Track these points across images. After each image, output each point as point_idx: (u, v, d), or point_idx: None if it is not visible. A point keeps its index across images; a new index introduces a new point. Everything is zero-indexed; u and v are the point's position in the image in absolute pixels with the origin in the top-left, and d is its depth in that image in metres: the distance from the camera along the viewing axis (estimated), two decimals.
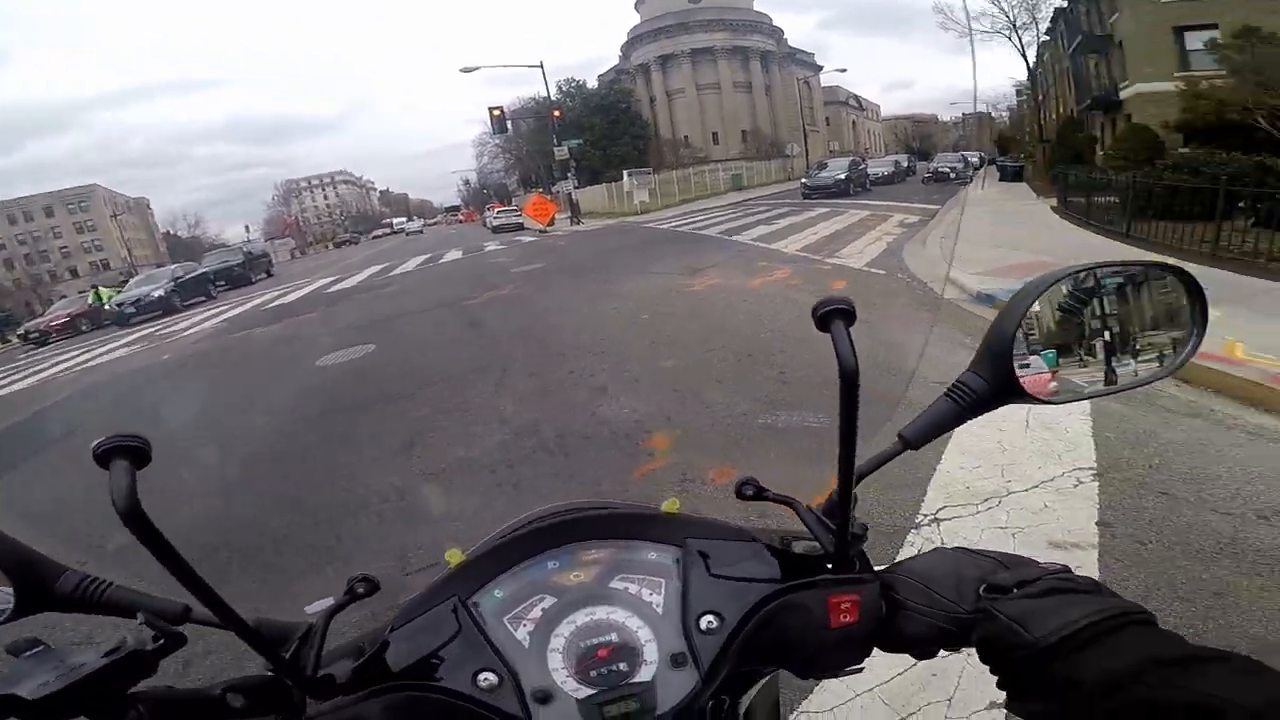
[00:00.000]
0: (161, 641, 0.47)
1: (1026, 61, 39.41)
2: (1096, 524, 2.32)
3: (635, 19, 56.57)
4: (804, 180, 25.08)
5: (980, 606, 0.47)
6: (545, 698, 0.49)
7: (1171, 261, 0.62)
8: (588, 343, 5.58)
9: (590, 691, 0.49)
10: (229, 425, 5.20)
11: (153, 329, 15.06)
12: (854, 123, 70.87)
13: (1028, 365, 0.56)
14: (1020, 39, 39.66)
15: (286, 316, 11.38)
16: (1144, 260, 0.65)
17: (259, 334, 9.92)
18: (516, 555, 0.57)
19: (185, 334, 12.68)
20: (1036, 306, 0.56)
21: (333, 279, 18.10)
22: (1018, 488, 2.53)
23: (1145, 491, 2.51)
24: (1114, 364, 0.60)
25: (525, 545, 0.58)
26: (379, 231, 78.57)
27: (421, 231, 57.10)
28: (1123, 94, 20.26)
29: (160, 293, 18.72)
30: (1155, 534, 2.25)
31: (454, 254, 19.76)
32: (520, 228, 28.78)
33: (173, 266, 23.83)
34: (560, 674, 0.50)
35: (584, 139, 39.25)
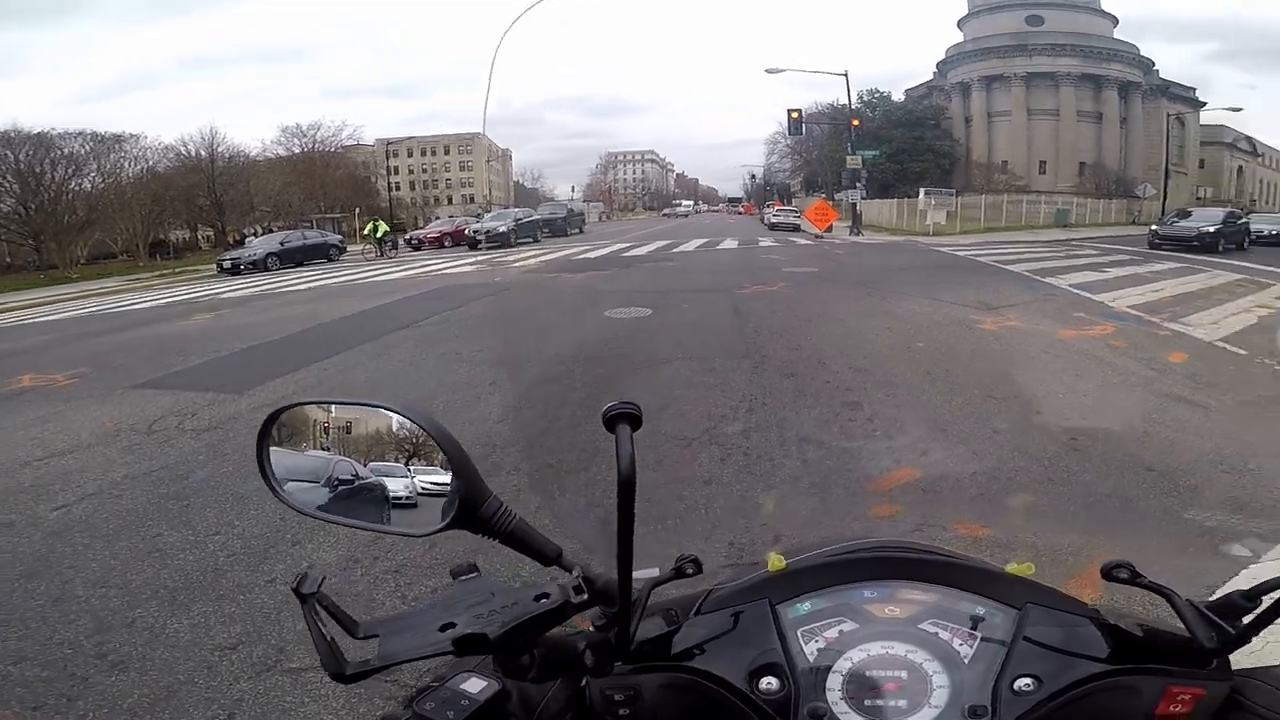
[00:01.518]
0: (585, 597, 0.50)
1: None
2: None
3: (956, 36, 51.05)
4: (1154, 227, 20.37)
5: None
6: (817, 716, 0.50)
7: None
8: (850, 357, 5.45)
9: (858, 719, 0.50)
10: (532, 351, 6.28)
11: (493, 256, 18.72)
12: (1239, 168, 55.07)
13: None
14: None
15: (589, 269, 13.24)
16: None
17: (565, 279, 11.74)
18: (839, 577, 0.59)
19: (514, 264, 15.52)
20: None
21: (628, 245, 20.24)
22: None
23: None
24: None
25: (852, 569, 0.59)
26: (668, 210, 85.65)
27: (688, 215, 60.74)
28: None
29: (504, 229, 23.50)
30: None
31: (730, 243, 20.51)
32: (796, 229, 28.56)
33: (516, 210, 29.71)
34: (834, 694, 0.51)
35: (880, 151, 37.14)
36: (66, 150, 35.30)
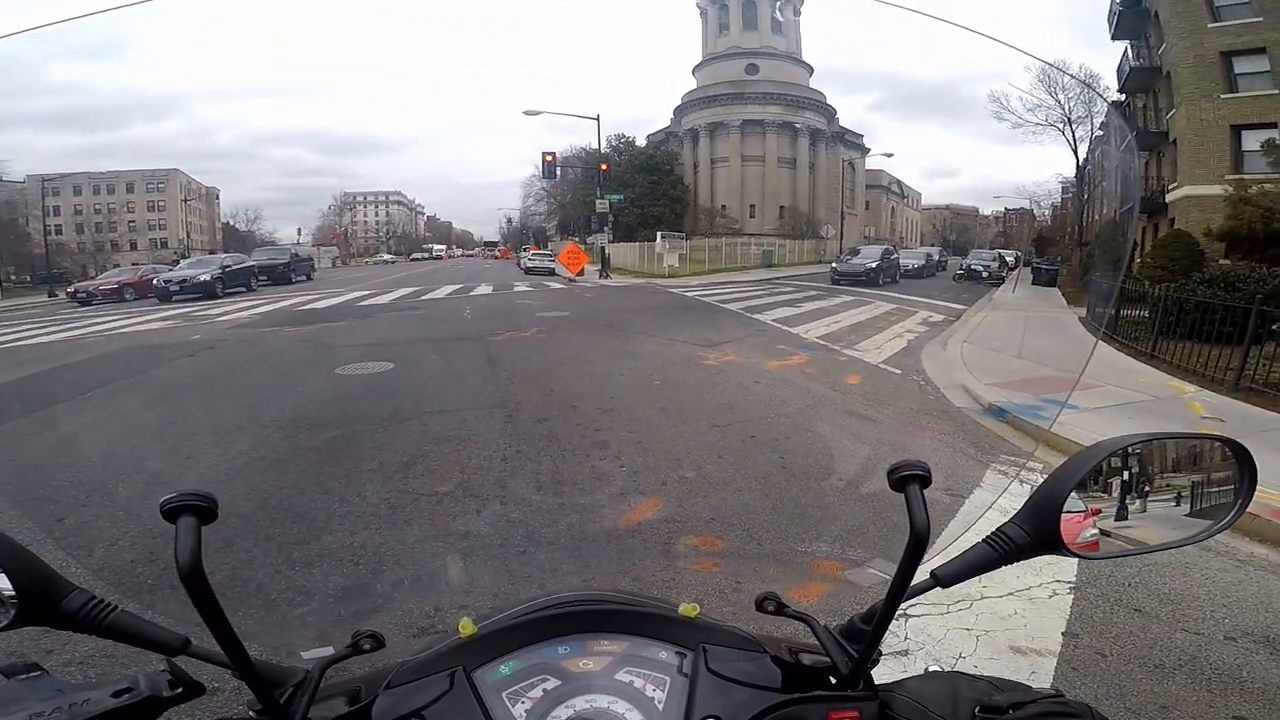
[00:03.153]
0: (180, 691, 0.47)
1: (1076, 158, 35.24)
2: (1062, 633, 2.40)
3: (692, 83, 57.94)
4: (834, 265, 25.46)
5: None
6: None
7: (1225, 435, 0.65)
8: (599, 398, 5.74)
9: None
10: (241, 418, 5.38)
11: (193, 309, 15.64)
12: (893, 209, 69.85)
13: (1071, 520, 0.57)
14: (1074, 133, 36.06)
15: (317, 320, 11.80)
16: (1201, 434, 0.69)
17: (288, 333, 10.28)
18: (531, 636, 0.59)
19: (221, 318, 13.17)
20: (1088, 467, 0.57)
21: (366, 293, 18.64)
22: (991, 593, 2.60)
23: (1118, 607, 2.60)
24: (1156, 524, 0.62)
25: (542, 628, 0.60)
26: (418, 254, 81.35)
27: (440, 258, 58.92)
28: (1169, 196, 18.98)
29: (206, 277, 19.71)
30: (1118, 647, 2.33)
31: (485, 288, 20.30)
32: (551, 273, 29.31)
33: (223, 256, 25.25)
34: None
35: (625, 195, 40.17)
36: None
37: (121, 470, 4.12)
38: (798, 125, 54.90)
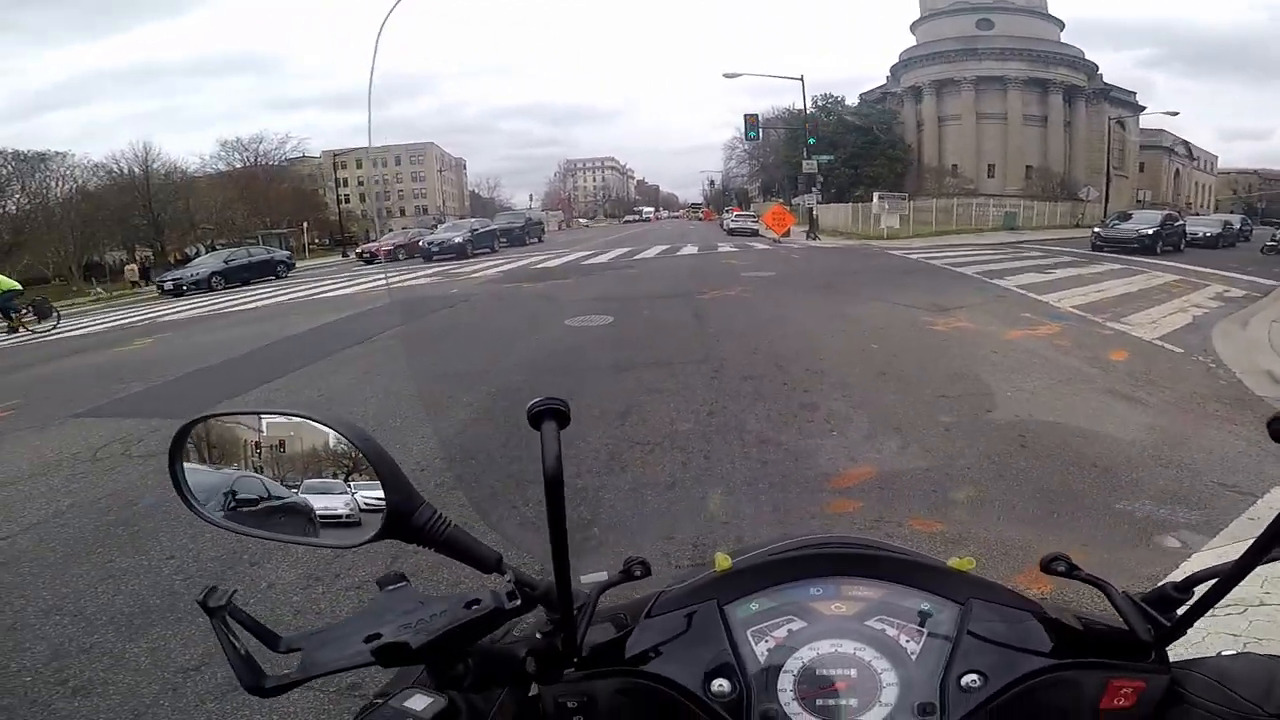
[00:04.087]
0: (518, 603, 0.50)
1: None
2: None
3: (910, 40, 52.07)
4: (1097, 229, 21.32)
5: None
6: (770, 717, 0.50)
7: None
8: (807, 359, 5.56)
9: (810, 719, 0.50)
10: (490, 362, 6.23)
11: (447, 266, 18.47)
12: (1177, 172, 57.69)
13: None
14: None
15: (548, 278, 13.19)
16: None
17: (525, 288, 11.66)
18: (784, 574, 0.58)
19: (472, 275, 15.35)
20: None
21: (588, 253, 20.24)
22: (1273, 600, 2.02)
23: None
24: None
25: (797, 566, 0.59)
26: (629, 216, 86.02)
27: (650, 221, 61.05)
28: None
29: (459, 239, 23.06)
30: None
31: (690, 249, 20.70)
32: (755, 234, 28.93)
33: (471, 221, 29.22)
34: (786, 694, 0.51)
35: (835, 155, 37.76)
36: None
37: (398, 410, 4.99)
38: (1049, 80, 46.73)
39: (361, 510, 0.53)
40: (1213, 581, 0.46)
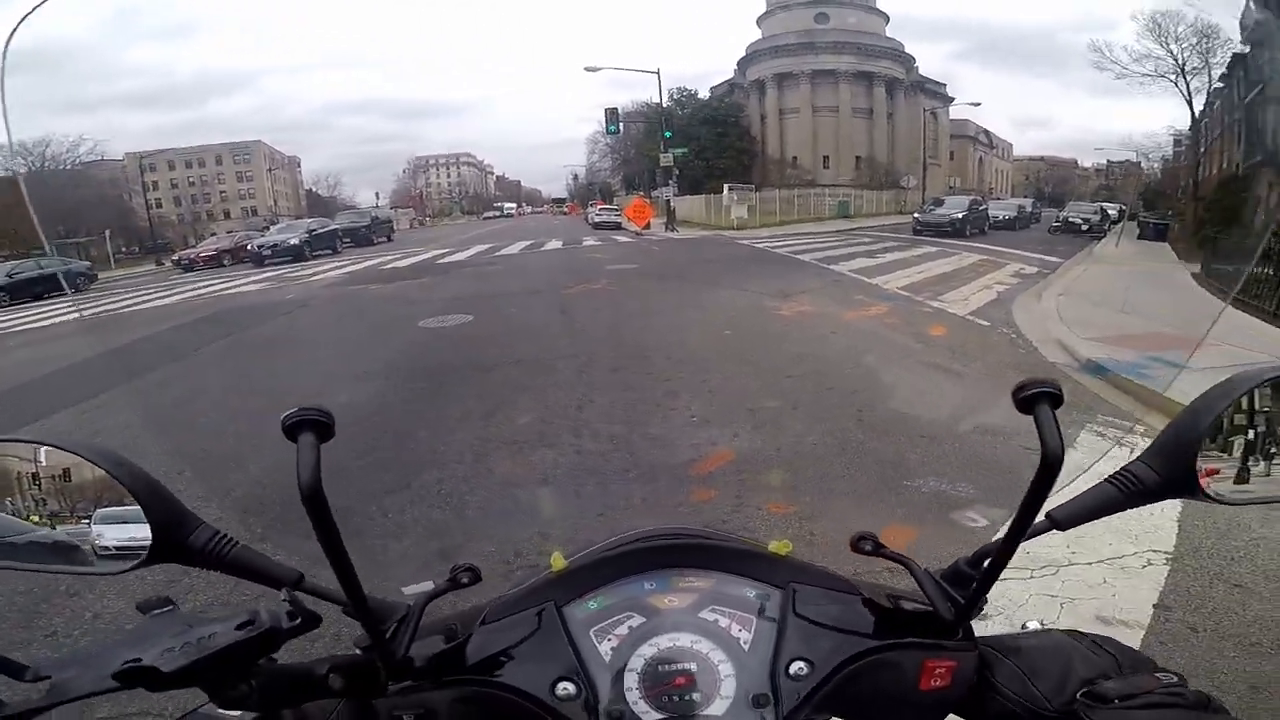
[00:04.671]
0: (298, 622, 0.47)
1: (1191, 109, 34.43)
2: (1154, 605, 2.27)
3: (756, 34, 55.19)
4: (916, 215, 23.93)
5: (1073, 709, 0.46)
6: (617, 717, 0.49)
7: None
8: (669, 349, 5.74)
9: (659, 716, 0.50)
10: (334, 371, 5.74)
11: (285, 271, 16.74)
12: (980, 159, 65.37)
13: (1210, 461, 0.51)
14: (1187, 84, 34.56)
15: (399, 279, 12.37)
16: None
17: (373, 290, 10.86)
18: (618, 571, 0.58)
19: (311, 278, 14.04)
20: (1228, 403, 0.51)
21: (443, 251, 19.29)
22: (1081, 559, 2.46)
23: (1218, 581, 2.42)
24: None
25: (628, 562, 0.58)
26: (490, 213, 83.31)
27: (511, 218, 60.56)
28: None
29: (294, 241, 20.87)
30: (1212, 623, 2.19)
31: (555, 243, 20.53)
32: (618, 227, 29.16)
33: (308, 221, 26.61)
34: (634, 693, 0.51)
35: (690, 148, 39.27)
36: None
37: (229, 422, 4.50)
38: (874, 74, 51.25)
39: (110, 541, 0.50)
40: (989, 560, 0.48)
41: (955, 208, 22.65)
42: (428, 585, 0.54)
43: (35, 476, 0.51)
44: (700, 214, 33.21)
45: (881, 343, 6.02)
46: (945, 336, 6.31)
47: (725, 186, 33.74)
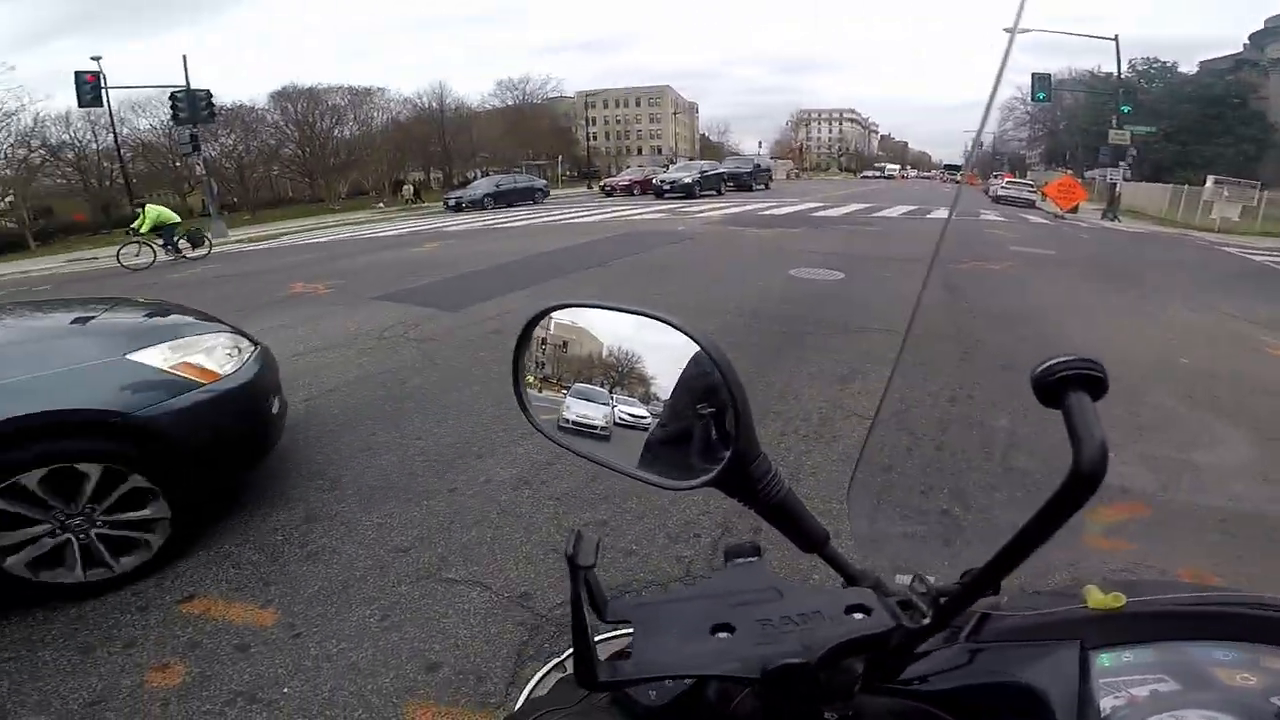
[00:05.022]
0: (927, 622, 0.38)
1: None
2: None
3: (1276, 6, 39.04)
4: None
5: None
6: None
7: None
8: (1097, 356, 4.49)
9: None
10: (708, 302, 6.07)
11: (678, 205, 18.79)
12: None
13: None
14: None
15: (774, 225, 12.61)
16: None
17: (749, 233, 11.26)
18: (1183, 630, 0.44)
19: (697, 214, 15.38)
20: None
21: (818, 205, 19.03)
22: None
23: None
24: None
25: (1203, 624, 0.45)
26: (869, 172, 79.79)
27: (892, 178, 57.54)
28: None
29: (688, 180, 23.75)
30: None
31: (941, 212, 18.31)
32: (1031, 205, 24.92)
33: (700, 163, 29.85)
34: None
35: (1157, 128, 30.78)
36: (331, 103, 42.46)
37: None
38: None
39: (616, 424, 0.48)
40: None
41: None
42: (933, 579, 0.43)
43: (561, 346, 0.52)
44: (1159, 205, 26.00)
45: None
46: None
47: (1209, 178, 25.34)
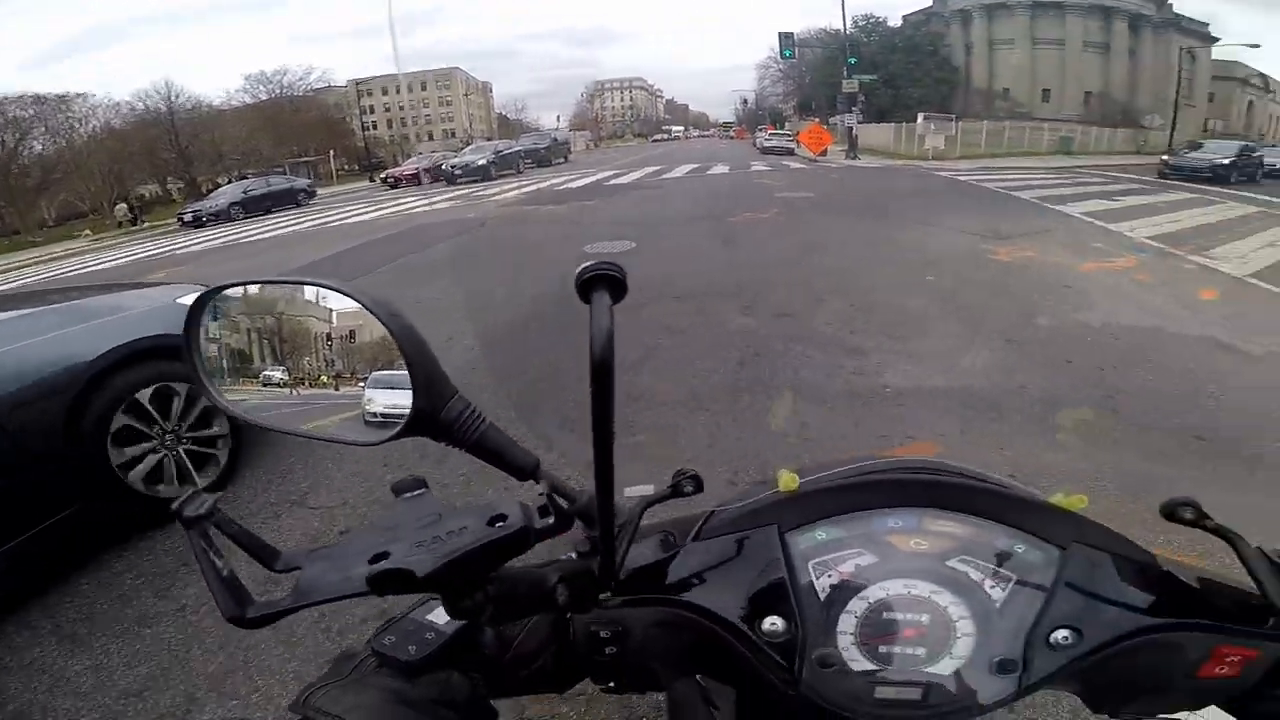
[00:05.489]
0: (551, 520, 0.42)
1: None
2: None
3: None
4: (1165, 158, 19.69)
5: None
6: (826, 663, 0.45)
7: None
8: (852, 293, 4.93)
9: (873, 668, 0.45)
10: (500, 295, 5.71)
11: (471, 190, 17.78)
12: (1250, 103, 53.68)
13: None
14: None
15: (570, 199, 12.42)
16: None
17: (544, 211, 10.94)
18: (860, 501, 0.49)
19: (493, 198, 14.67)
20: None
21: (615, 172, 19.25)
22: None
23: None
24: None
25: (876, 493, 0.50)
26: (658, 136, 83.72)
27: (678, 140, 61.43)
28: None
29: (482, 161, 22.50)
30: None
31: (721, 168, 19.55)
32: (790, 153, 27.68)
33: (495, 143, 28.51)
34: (847, 638, 0.46)
35: (877, 76, 36.13)
36: (10, 115, 35.02)
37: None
38: (1114, 9, 43.63)
39: (378, 401, 0.48)
40: None
41: (1219, 152, 18.43)
42: (647, 489, 0.48)
43: (328, 337, 0.49)
44: (886, 143, 30.19)
45: (1133, 305, 4.70)
46: (1219, 303, 4.87)
47: (920, 115, 30.04)
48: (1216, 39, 47.31)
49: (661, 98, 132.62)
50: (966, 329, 4.14)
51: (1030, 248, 6.43)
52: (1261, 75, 53.56)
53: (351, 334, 0.48)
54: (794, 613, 0.46)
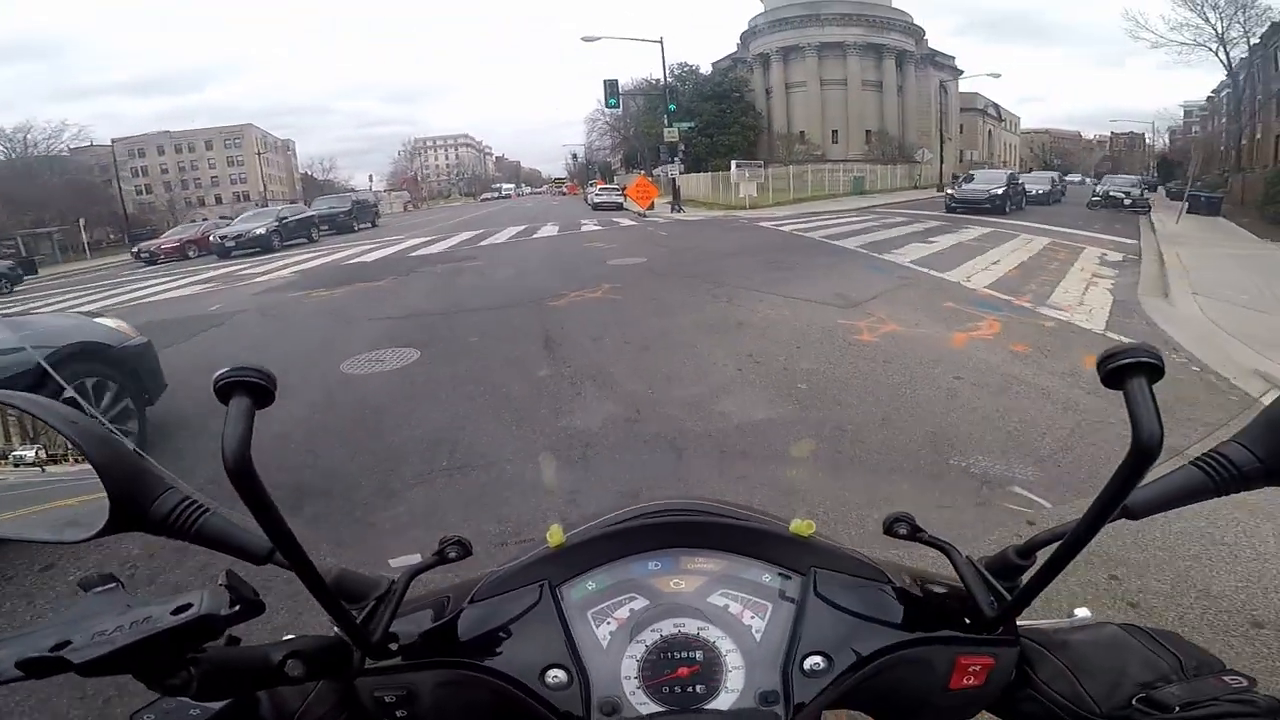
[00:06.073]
0: (237, 609, 0.42)
1: (1236, 80, 34.62)
2: None
3: (759, 8, 53.61)
4: (950, 191, 21.94)
5: (1128, 715, 0.42)
6: (611, 710, 0.45)
7: None
8: (714, 421, 3.62)
9: (657, 709, 0.46)
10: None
11: (242, 266, 14.64)
12: (990, 132, 64.82)
13: None
14: (1228, 54, 35.47)
15: (358, 279, 10.14)
16: None
17: (312, 301, 8.55)
18: (620, 548, 0.51)
19: (260, 277, 11.90)
20: None
21: (426, 239, 17.18)
22: None
23: None
24: None
25: (632, 539, 0.52)
26: (487, 194, 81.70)
27: (510, 198, 60.99)
28: None
29: (261, 230, 18.95)
30: None
31: (550, 229, 18.37)
32: (619, 207, 27.54)
33: (280, 207, 24.24)
34: (631, 683, 0.46)
35: (693, 124, 37.75)
36: None
37: None
38: (884, 46, 50.28)
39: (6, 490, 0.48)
40: (1055, 546, 0.42)
41: (993, 183, 20.60)
42: (414, 558, 0.49)
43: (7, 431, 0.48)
44: (707, 192, 31.13)
45: (1029, 391, 3.92)
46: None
47: (733, 163, 31.57)
48: (962, 71, 56.08)
49: (490, 154, 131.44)
50: (860, 466, 2.95)
51: (886, 318, 5.67)
52: (995, 105, 64.90)
53: (35, 430, 0.45)
54: (573, 663, 0.46)
